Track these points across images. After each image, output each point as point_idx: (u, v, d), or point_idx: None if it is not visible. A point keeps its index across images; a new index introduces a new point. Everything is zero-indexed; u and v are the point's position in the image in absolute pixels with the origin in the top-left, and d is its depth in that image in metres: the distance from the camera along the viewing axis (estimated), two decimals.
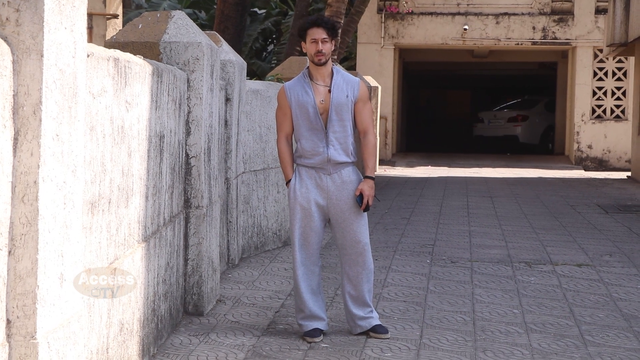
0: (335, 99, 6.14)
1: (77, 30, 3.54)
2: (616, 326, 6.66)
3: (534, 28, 26.44)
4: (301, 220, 6.20)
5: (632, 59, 24.56)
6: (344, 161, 6.19)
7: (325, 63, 6.14)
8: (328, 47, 6.12)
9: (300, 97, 6.16)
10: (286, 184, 6.26)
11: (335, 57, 18.46)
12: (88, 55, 3.85)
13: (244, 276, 8.04)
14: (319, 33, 6.09)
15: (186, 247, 6.52)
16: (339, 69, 6.32)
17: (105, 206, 4.34)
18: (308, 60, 6.29)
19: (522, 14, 26.50)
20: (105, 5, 16.61)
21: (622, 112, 26.47)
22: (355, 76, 7.70)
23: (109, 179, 4.40)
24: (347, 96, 6.17)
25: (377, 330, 6.23)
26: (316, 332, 6.13)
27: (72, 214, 3.57)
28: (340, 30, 18.25)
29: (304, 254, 6.23)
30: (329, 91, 6.16)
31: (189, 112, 6.44)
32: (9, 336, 3.24)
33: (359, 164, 6.47)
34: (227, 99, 8.10)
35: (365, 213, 6.25)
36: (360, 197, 6.12)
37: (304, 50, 6.25)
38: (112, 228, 4.48)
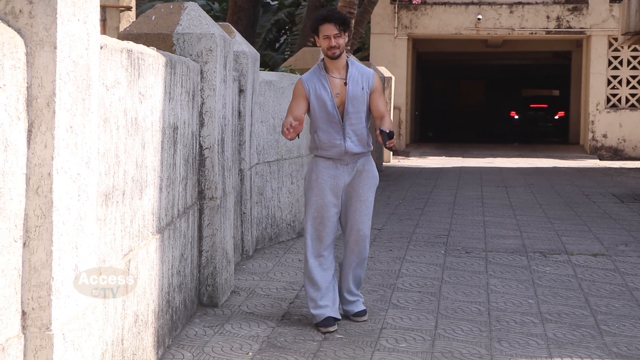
0: (351, 92, 6.21)
1: (90, 22, 3.54)
2: (632, 316, 6.64)
3: (548, 17, 26.33)
4: (316, 211, 6.25)
5: None
6: (361, 152, 6.27)
7: (339, 56, 6.20)
8: (341, 42, 6.16)
9: (318, 90, 6.21)
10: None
11: (349, 47, 18.43)
12: (101, 47, 3.85)
13: (258, 267, 8.05)
14: (331, 29, 6.13)
15: (200, 238, 6.53)
16: (353, 61, 6.40)
17: (119, 198, 4.35)
18: (322, 53, 6.33)
19: (536, 3, 26.39)
20: None
21: (638, 100, 26.35)
22: (369, 67, 7.72)
23: (123, 170, 4.40)
24: (362, 88, 6.24)
25: (358, 314, 6.41)
26: (329, 321, 6.14)
27: (86, 206, 3.57)
28: (353, 22, 18.21)
29: (317, 243, 6.29)
30: (345, 84, 6.22)
31: (202, 104, 6.44)
32: (24, 328, 3.25)
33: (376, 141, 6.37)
34: (241, 90, 8.09)
35: (372, 207, 6.34)
36: (384, 134, 5.96)
37: (318, 45, 6.31)
38: (126, 220, 4.49)
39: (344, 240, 6.46)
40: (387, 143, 5.96)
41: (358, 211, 6.30)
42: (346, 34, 6.20)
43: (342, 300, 6.47)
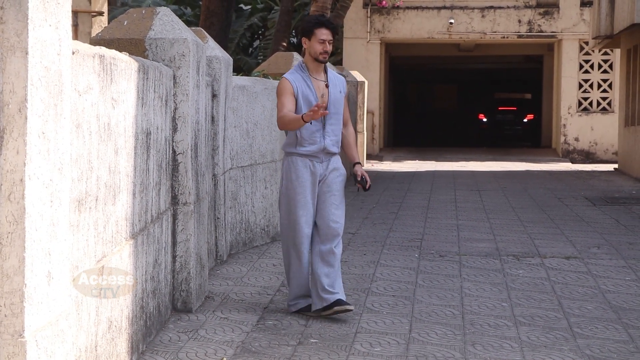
0: (333, 94, 6.63)
1: (62, 28, 3.53)
2: (605, 318, 6.68)
3: (519, 21, 26.48)
4: (303, 208, 6.54)
5: (617, 51, 24.62)
6: (335, 152, 6.66)
7: (326, 61, 6.65)
8: (330, 48, 6.60)
9: (304, 90, 6.55)
10: (301, 118, 6.32)
11: None
12: (73, 53, 3.84)
13: (232, 272, 8.04)
14: (326, 34, 6.55)
15: (174, 243, 6.51)
16: (328, 66, 6.84)
17: (93, 204, 4.33)
18: (306, 55, 6.62)
19: (508, 7, 26.54)
20: (90, 3, 16.56)
21: (609, 104, 26.53)
22: (342, 71, 8.07)
23: (96, 176, 4.38)
24: (340, 92, 6.71)
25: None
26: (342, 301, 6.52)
27: (59, 212, 3.56)
28: None
29: (307, 239, 6.60)
30: (327, 86, 6.63)
31: (175, 109, 6.43)
32: None
33: (343, 153, 6.85)
34: (214, 95, 8.08)
35: (344, 201, 6.73)
36: (362, 180, 6.64)
37: (305, 47, 6.61)
38: (99, 225, 4.47)
39: (318, 235, 6.61)
40: (366, 188, 6.63)
41: (333, 205, 6.60)
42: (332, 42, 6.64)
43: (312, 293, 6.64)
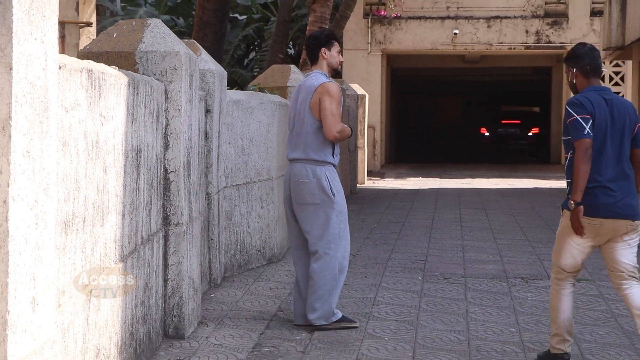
0: None
1: (48, 41, 3.53)
2: (617, 344, 6.67)
3: (527, 31, 26.55)
4: (343, 213, 7.11)
5: (629, 63, 24.65)
6: None
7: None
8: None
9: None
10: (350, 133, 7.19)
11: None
12: (60, 67, 3.84)
13: (226, 296, 8.02)
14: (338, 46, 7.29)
15: (165, 266, 6.49)
16: None
17: (80, 225, 4.32)
18: (323, 66, 7.18)
19: (515, 17, 26.60)
20: (78, 13, 16.59)
21: None
22: (342, 84, 8.46)
23: (84, 196, 4.38)
24: None
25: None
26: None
27: (45, 235, 3.55)
28: None
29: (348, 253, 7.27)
30: None
31: (167, 125, 6.43)
32: None
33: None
34: (207, 110, 8.08)
35: None
36: None
37: (324, 56, 7.15)
38: (87, 248, 4.46)
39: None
40: None
41: None
42: None
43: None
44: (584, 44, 6.19)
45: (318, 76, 7.03)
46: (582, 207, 5.67)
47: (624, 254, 5.93)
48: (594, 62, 5.99)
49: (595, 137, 5.75)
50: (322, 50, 7.12)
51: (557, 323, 6.02)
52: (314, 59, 7.16)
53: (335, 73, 7.65)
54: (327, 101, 6.87)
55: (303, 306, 6.96)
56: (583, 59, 6.01)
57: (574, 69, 6.01)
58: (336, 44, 7.19)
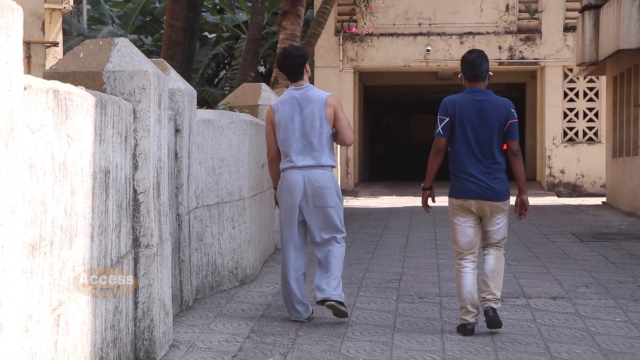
0: None
1: (13, 62, 3.53)
2: None
3: (500, 47, 26.70)
4: None
5: (603, 79, 24.87)
6: None
7: None
8: None
9: None
10: None
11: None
12: (25, 88, 3.84)
13: (198, 318, 8.00)
14: None
15: (136, 289, 6.48)
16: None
17: (47, 248, 4.31)
18: (307, 80, 7.98)
19: (488, 33, 26.75)
20: (44, 33, 16.55)
21: (595, 134, 26.74)
22: None
23: (51, 219, 4.37)
24: None
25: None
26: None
27: (11, 258, 3.54)
28: None
29: None
30: None
31: (135, 145, 6.42)
32: None
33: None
34: (177, 130, 8.09)
35: None
36: None
37: (307, 71, 7.95)
38: (55, 272, 4.45)
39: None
40: None
41: None
42: None
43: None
44: (470, 52, 7.40)
45: (315, 89, 7.89)
46: (428, 191, 8.11)
47: (493, 230, 7.63)
48: (474, 69, 7.33)
49: (457, 132, 7.38)
50: (307, 65, 7.93)
51: (460, 297, 7.45)
52: (300, 74, 7.91)
53: None
54: (341, 112, 7.91)
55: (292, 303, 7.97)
56: (464, 65, 7.39)
57: (460, 74, 7.43)
58: None
